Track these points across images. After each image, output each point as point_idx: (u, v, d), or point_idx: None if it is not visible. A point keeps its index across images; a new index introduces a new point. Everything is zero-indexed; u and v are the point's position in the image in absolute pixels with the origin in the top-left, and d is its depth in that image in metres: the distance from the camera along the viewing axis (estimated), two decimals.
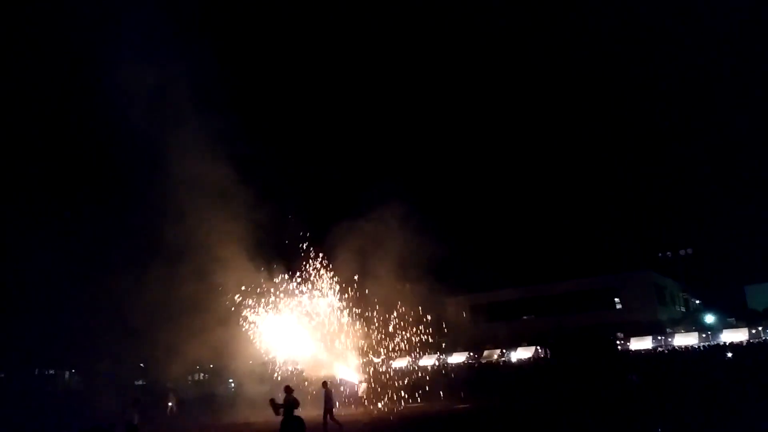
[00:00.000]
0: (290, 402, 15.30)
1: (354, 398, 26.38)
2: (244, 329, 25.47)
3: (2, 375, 42.93)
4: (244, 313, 25.45)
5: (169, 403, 29.08)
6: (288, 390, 15.83)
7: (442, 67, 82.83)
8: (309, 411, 17.70)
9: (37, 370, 48.15)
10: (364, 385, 26.27)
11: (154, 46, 26.09)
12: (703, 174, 77.59)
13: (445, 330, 36.32)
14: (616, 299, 46.04)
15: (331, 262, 26.25)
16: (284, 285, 25.94)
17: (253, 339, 25.56)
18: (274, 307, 25.72)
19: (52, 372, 50.63)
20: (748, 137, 75.57)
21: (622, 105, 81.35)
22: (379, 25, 77.89)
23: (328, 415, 18.33)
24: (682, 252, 47.63)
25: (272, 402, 15.13)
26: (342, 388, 26.70)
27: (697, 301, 55.85)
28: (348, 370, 26.41)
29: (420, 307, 28.14)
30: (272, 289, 25.72)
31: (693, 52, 78.54)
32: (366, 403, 25.90)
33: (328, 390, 18.96)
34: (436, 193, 73.23)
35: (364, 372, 27.35)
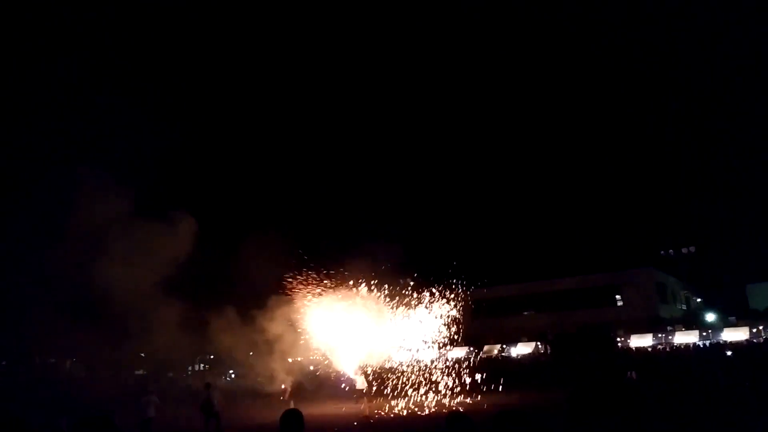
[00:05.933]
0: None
1: (355, 393, 25.76)
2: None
3: (3, 363, 43.15)
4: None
5: (282, 386, 26.58)
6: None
7: (442, 68, 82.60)
8: None
9: (37, 358, 48.36)
10: (361, 379, 25.34)
11: None
12: (707, 172, 77.39)
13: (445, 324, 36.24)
14: (617, 296, 46.03)
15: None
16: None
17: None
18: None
19: (53, 361, 50.87)
20: (752, 136, 75.27)
21: (625, 102, 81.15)
22: (376, 23, 77.60)
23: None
24: (684, 250, 47.73)
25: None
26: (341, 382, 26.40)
27: (698, 300, 55.85)
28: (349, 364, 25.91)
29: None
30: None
31: (696, 49, 78.18)
32: (364, 399, 25.25)
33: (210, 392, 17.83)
34: (440, 189, 73.29)
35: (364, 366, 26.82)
